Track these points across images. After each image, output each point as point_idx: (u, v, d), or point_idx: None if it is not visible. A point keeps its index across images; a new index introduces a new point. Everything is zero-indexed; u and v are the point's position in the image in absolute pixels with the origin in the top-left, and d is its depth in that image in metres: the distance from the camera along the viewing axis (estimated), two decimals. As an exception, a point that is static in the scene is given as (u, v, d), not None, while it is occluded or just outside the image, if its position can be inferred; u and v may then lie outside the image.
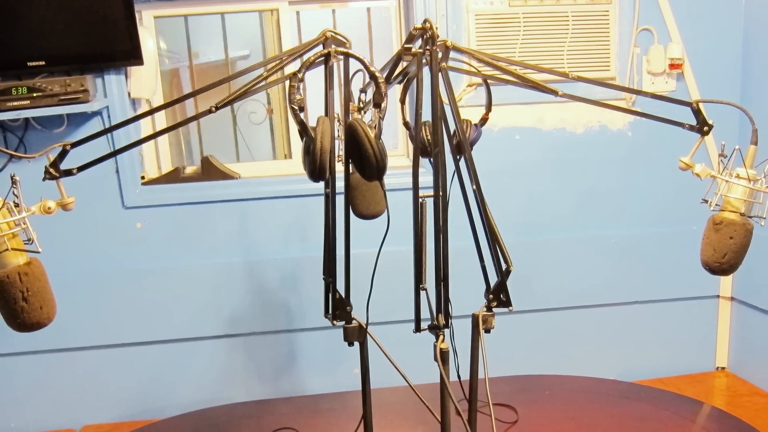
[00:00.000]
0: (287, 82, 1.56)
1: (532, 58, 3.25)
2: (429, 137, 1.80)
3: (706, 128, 1.75)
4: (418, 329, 1.68)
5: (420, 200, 1.59)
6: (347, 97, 1.82)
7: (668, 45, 3.29)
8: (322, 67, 1.71)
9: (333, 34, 1.75)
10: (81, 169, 1.60)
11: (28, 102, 2.81)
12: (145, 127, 3.22)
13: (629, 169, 3.43)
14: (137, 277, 3.19)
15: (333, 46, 1.72)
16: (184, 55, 3.56)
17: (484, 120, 1.92)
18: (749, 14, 3.32)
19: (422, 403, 1.83)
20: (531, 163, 3.37)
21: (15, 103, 2.80)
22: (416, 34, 1.62)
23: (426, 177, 1.60)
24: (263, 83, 1.70)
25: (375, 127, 1.53)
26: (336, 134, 1.74)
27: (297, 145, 3.47)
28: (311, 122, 1.57)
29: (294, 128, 3.40)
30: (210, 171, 3.28)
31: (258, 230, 3.25)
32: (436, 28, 1.60)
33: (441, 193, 1.61)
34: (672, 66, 3.30)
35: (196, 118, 1.72)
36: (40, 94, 2.81)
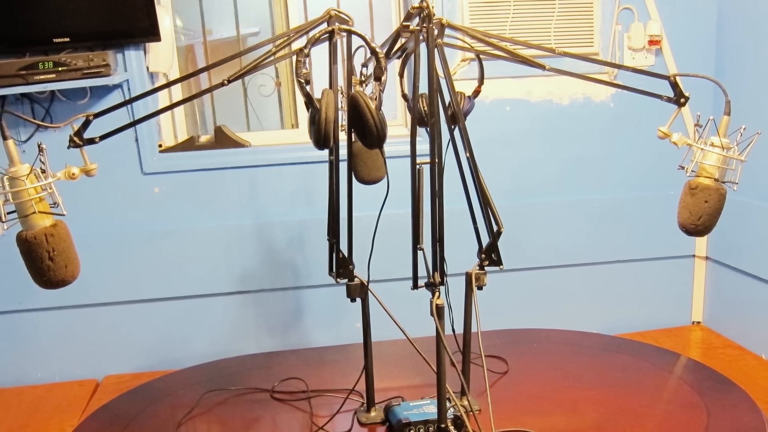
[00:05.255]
0: (294, 57, 1.55)
1: (521, 34, 3.23)
2: (426, 108, 1.79)
3: (682, 100, 1.74)
4: (415, 286, 1.68)
5: (417, 167, 1.59)
6: (350, 71, 1.82)
7: (648, 23, 3.28)
8: (327, 43, 1.71)
9: (337, 12, 1.74)
10: (103, 137, 1.60)
11: (54, 76, 2.80)
12: (162, 98, 3.21)
13: (611, 138, 3.43)
14: (155, 238, 3.20)
15: (337, 24, 1.71)
16: (199, 32, 3.54)
17: (476, 92, 1.92)
18: (724, -6, 3.32)
19: (419, 354, 1.84)
20: (520, 133, 3.36)
21: (42, 77, 2.79)
22: (414, 13, 1.62)
23: (423, 145, 1.60)
24: (272, 58, 1.69)
25: (375, 99, 1.52)
26: (339, 105, 1.74)
27: (303, 115, 3.46)
28: (316, 94, 1.57)
29: (300, 100, 3.36)
30: (222, 140, 3.27)
31: (267, 194, 3.25)
32: (432, 7, 1.60)
33: (437, 160, 1.61)
34: (651, 42, 3.29)
35: (209, 90, 1.72)
36: (65, 68, 2.80)
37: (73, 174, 1.50)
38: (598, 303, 3.58)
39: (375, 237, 1.88)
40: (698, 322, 3.64)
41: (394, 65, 1.91)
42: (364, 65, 1.90)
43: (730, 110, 1.70)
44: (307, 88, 1.54)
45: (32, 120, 1.91)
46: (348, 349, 2.54)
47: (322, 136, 1.55)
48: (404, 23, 1.62)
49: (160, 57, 3.08)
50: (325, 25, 1.73)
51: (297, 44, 1.69)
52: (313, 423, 1.96)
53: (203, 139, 3.36)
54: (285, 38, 1.75)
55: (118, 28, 2.90)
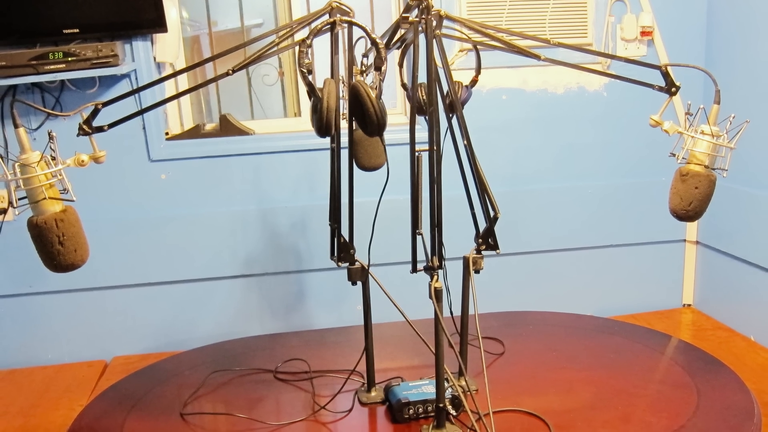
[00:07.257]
0: (297, 48, 1.55)
1: (517, 26, 3.22)
2: (424, 97, 1.80)
3: (673, 89, 1.74)
4: (414, 270, 1.69)
5: (416, 154, 1.59)
6: (351, 61, 1.81)
7: (640, 14, 3.28)
8: (329, 34, 1.71)
9: (338, 4, 1.74)
10: (111, 126, 1.60)
11: (64, 66, 2.80)
12: (168, 88, 3.20)
13: (605, 126, 3.42)
14: (162, 223, 3.20)
15: (338, 15, 1.71)
16: (204, 23, 3.54)
17: (474, 82, 1.91)
18: (715, -15, 3.31)
19: (418, 336, 1.84)
20: (516, 121, 3.36)
21: (52, 67, 2.78)
22: (413, 5, 1.61)
23: (422, 133, 1.59)
24: (275, 48, 1.69)
25: (376, 88, 1.52)
26: (341, 95, 1.74)
27: (306, 104, 3.46)
28: (318, 84, 1.57)
29: (303, 89, 3.39)
30: (227, 128, 3.27)
31: (270, 181, 3.25)
32: (431, -1, 1.60)
33: (435, 148, 1.61)
34: (643, 33, 3.29)
35: (215, 80, 1.72)
36: (74, 58, 2.79)
37: (83, 161, 1.50)
38: (592, 286, 3.59)
39: (375, 222, 1.89)
40: (689, 305, 3.65)
41: (394, 55, 1.91)
42: (365, 55, 1.90)
43: (720, 99, 1.70)
44: (310, 77, 1.54)
45: (43, 108, 1.91)
46: (349, 331, 2.54)
47: (324, 124, 1.55)
48: (403, 15, 1.62)
49: (167, 47, 3.08)
50: (326, 16, 1.72)
51: (299, 35, 1.69)
52: (315, 403, 1.97)
53: (209, 127, 3.36)
54: (288, 29, 1.75)
55: (126, 20, 2.90)
